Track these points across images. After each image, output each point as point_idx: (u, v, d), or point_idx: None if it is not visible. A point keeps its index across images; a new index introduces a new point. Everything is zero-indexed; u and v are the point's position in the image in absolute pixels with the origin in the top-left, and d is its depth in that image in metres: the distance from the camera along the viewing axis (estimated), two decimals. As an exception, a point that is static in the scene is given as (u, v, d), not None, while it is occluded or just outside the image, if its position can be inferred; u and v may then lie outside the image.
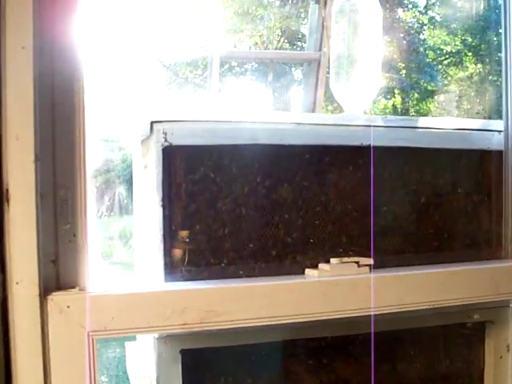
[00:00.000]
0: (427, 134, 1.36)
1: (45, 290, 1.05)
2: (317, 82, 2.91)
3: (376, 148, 1.33)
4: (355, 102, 1.45)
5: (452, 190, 1.40)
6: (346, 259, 1.24)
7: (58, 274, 1.08)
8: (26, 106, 1.00)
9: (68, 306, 1.04)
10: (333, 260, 1.24)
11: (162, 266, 1.22)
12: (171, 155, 1.22)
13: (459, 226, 1.42)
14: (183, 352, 1.23)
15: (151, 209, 1.26)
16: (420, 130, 1.36)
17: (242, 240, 1.26)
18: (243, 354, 1.29)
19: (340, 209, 1.32)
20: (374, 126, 1.32)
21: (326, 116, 1.35)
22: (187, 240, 1.23)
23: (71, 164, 1.08)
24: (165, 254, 1.21)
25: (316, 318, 1.17)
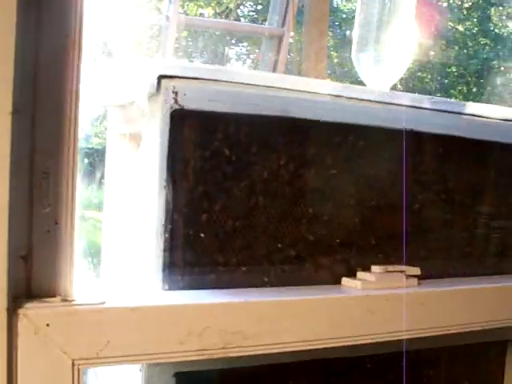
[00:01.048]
0: (481, 123, 1.12)
1: (14, 301, 0.72)
2: (276, 61, 2.65)
3: (421, 134, 1.08)
4: (383, 76, 1.19)
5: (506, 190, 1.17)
6: (390, 267, 0.98)
7: (30, 277, 0.76)
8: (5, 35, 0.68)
9: (47, 324, 0.72)
10: (375, 268, 0.98)
11: (159, 269, 0.91)
12: (181, 122, 0.91)
13: None
14: (178, 376, 0.93)
15: (146, 194, 0.95)
16: (476, 118, 1.11)
17: (258, 237, 0.97)
18: (251, 376, 1.00)
19: (375, 203, 1.06)
20: (421, 108, 1.07)
21: (369, 90, 1.07)
22: (195, 233, 0.93)
23: (57, 123, 0.76)
24: (165, 252, 0.91)
25: (361, 342, 0.90)
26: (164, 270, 0.91)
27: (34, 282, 0.76)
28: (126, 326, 0.75)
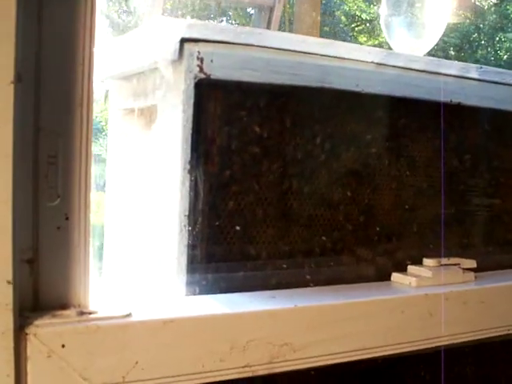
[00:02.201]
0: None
1: (20, 316, 0.57)
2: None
3: (468, 108, 0.94)
4: (417, 41, 1.05)
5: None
6: (444, 260, 0.85)
7: (37, 284, 0.61)
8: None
9: (63, 345, 0.57)
10: (427, 261, 0.84)
11: (183, 267, 0.76)
12: (207, 94, 0.76)
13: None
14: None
15: (163, 179, 0.80)
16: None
17: (294, 227, 0.83)
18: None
19: (418, 187, 0.93)
20: (469, 79, 0.93)
21: (412, 57, 0.92)
22: (224, 224, 0.78)
23: (67, 94, 0.61)
24: (190, 247, 0.76)
25: (421, 347, 0.77)
26: (189, 268, 0.76)
27: (43, 290, 0.61)
28: (157, 343, 0.61)
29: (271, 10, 2.41)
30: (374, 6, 7.98)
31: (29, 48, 0.58)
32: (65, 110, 0.60)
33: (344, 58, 0.84)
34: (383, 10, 1.08)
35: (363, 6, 8.26)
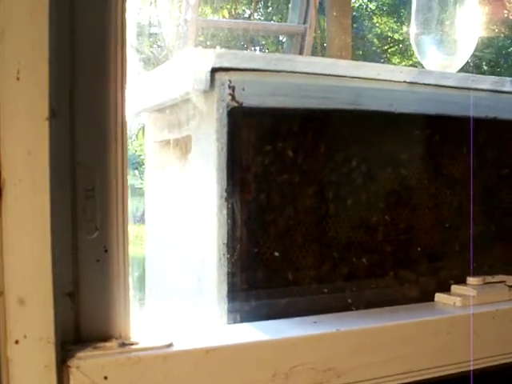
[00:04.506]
0: None
1: (62, 349, 0.57)
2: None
3: (505, 122, 0.91)
4: (448, 59, 1.03)
5: None
6: (489, 278, 0.81)
7: (79, 317, 0.60)
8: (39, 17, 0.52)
9: (105, 377, 0.56)
10: (471, 280, 0.81)
11: (223, 295, 0.75)
12: (240, 122, 0.75)
13: None
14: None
15: (200, 208, 0.79)
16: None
17: (333, 251, 0.81)
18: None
19: (456, 205, 0.90)
20: (505, 93, 0.90)
21: (445, 74, 0.90)
22: (263, 250, 0.77)
23: (102, 129, 0.60)
24: (230, 275, 0.75)
25: (468, 369, 0.74)
26: (229, 296, 0.74)
27: (84, 323, 0.60)
28: (199, 373, 0.59)
29: (303, 36, 2.42)
30: (406, 26, 7.89)
31: (63, 85, 0.58)
32: (100, 144, 0.60)
33: (375, 79, 0.83)
34: (413, 29, 1.06)
35: (395, 26, 8.16)
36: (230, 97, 0.74)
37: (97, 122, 0.60)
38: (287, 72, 0.77)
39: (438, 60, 1.04)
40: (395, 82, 0.83)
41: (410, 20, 1.08)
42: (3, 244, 0.52)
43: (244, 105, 0.75)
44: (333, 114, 0.80)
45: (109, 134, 0.60)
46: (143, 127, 1.09)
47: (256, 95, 0.75)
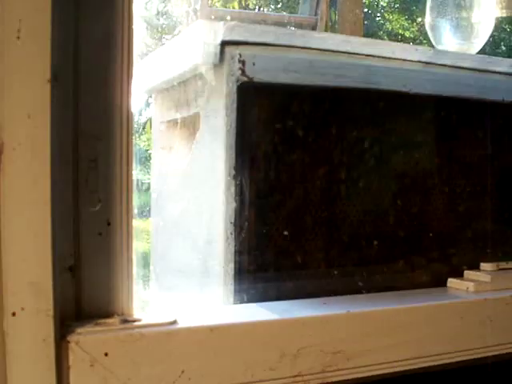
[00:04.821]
0: None
1: (62, 325, 0.54)
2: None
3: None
4: (465, 44, 1.00)
5: None
6: (503, 264, 0.78)
7: (79, 293, 0.58)
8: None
9: (106, 354, 0.54)
10: (485, 265, 0.78)
11: (230, 276, 0.72)
12: (249, 97, 0.72)
13: None
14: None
15: (207, 187, 0.76)
16: None
17: (344, 233, 0.78)
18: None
19: (470, 190, 0.86)
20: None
21: (461, 55, 0.87)
22: (271, 230, 0.74)
23: (106, 99, 0.58)
24: (237, 255, 0.72)
25: (482, 355, 0.71)
26: (236, 276, 0.72)
27: (85, 298, 0.58)
28: (204, 351, 0.57)
29: (313, 28, 2.38)
30: (417, 24, 7.77)
31: (65, 49, 0.55)
32: (104, 112, 0.57)
33: (390, 58, 0.80)
34: (428, 14, 1.02)
35: (406, 24, 8.07)
36: (239, 71, 0.71)
37: (101, 89, 0.57)
38: (299, 47, 0.74)
39: (453, 45, 1.01)
40: (410, 61, 0.80)
41: (422, 15, 1.06)
42: (1, 208, 0.49)
43: (254, 80, 0.72)
44: (345, 93, 0.77)
45: (113, 103, 0.57)
46: (150, 120, 1.07)
47: (267, 70, 0.73)
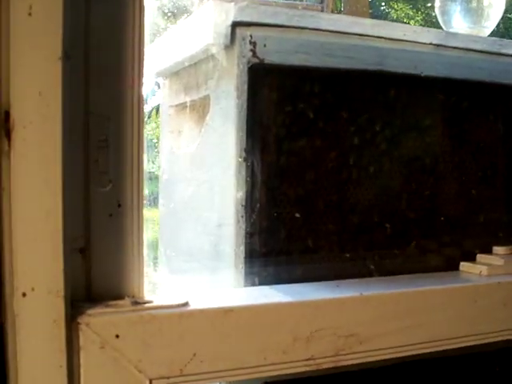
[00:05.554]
0: None
1: (72, 306, 0.52)
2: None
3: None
4: (474, 28, 0.97)
5: None
6: (515, 248, 0.77)
7: (90, 274, 0.56)
8: None
9: (117, 336, 0.52)
10: (498, 249, 0.76)
11: (241, 259, 0.70)
12: (260, 79, 0.70)
13: None
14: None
15: (218, 171, 0.75)
16: None
17: (355, 216, 0.76)
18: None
19: (483, 173, 0.84)
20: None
21: (472, 37, 0.85)
22: (282, 213, 0.72)
23: (117, 78, 0.56)
24: (248, 237, 0.70)
25: (496, 339, 0.69)
26: (247, 259, 0.70)
27: (96, 280, 0.56)
28: (216, 334, 0.55)
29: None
30: (422, 13, 7.66)
31: (77, 27, 0.53)
32: (115, 92, 0.56)
33: (401, 40, 0.77)
34: (437, 0, 1.00)
35: (411, 12, 7.95)
36: (250, 53, 0.69)
37: (112, 68, 0.55)
38: (310, 29, 0.72)
39: (464, 29, 0.98)
40: (421, 43, 0.78)
41: (427, 3, 1.03)
42: (11, 188, 0.47)
43: (265, 61, 0.70)
44: (356, 75, 0.75)
45: (124, 82, 0.55)
46: (157, 107, 1.04)
47: (278, 52, 0.70)
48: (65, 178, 0.50)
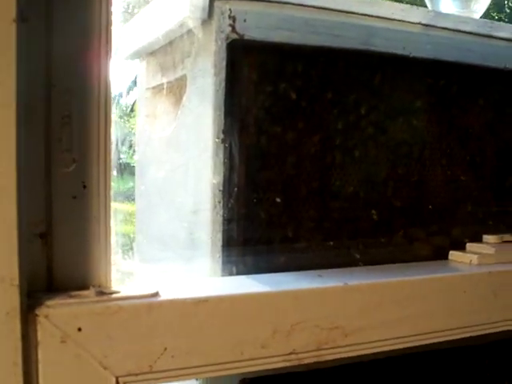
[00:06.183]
0: None
1: (30, 296, 0.47)
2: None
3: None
4: (463, 12, 0.92)
5: None
6: (507, 236, 0.72)
7: (51, 262, 0.50)
8: None
9: (79, 329, 0.46)
10: (488, 238, 0.72)
11: (217, 247, 0.65)
12: (239, 56, 0.65)
13: None
14: (245, 382, 0.68)
15: (194, 155, 0.69)
16: None
17: (339, 203, 0.71)
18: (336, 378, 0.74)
19: (469, 160, 0.80)
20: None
21: (463, 18, 0.80)
22: (262, 199, 0.67)
23: (84, 44, 0.50)
24: (225, 224, 0.65)
25: (486, 332, 0.65)
26: (225, 247, 0.65)
27: (57, 268, 0.50)
28: (189, 327, 0.50)
29: None
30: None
31: (35, -11, 0.47)
32: (80, 62, 0.50)
33: (389, 19, 0.72)
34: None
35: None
36: (230, 28, 0.64)
37: (77, 36, 0.49)
38: (293, 4, 0.67)
39: (451, 9, 0.93)
40: (410, 22, 0.73)
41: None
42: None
43: (245, 37, 0.64)
44: (342, 54, 0.70)
45: (91, 50, 0.50)
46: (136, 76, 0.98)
47: (259, 28, 0.65)
48: (21, 155, 0.44)
